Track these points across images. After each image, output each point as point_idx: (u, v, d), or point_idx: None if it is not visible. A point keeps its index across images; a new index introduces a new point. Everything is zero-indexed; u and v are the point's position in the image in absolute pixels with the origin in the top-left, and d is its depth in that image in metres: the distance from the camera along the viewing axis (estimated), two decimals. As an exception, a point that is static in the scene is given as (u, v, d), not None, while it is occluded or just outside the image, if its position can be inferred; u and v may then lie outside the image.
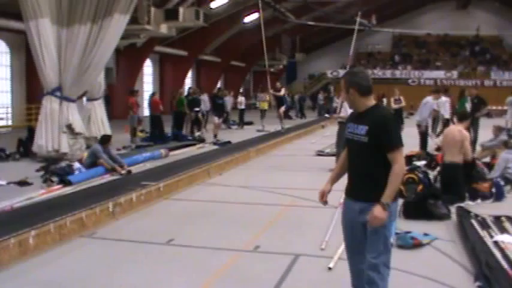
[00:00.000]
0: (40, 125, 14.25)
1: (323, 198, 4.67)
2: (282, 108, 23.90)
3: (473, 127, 15.84)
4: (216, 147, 18.43)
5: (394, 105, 22.07)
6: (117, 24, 14.48)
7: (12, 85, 27.16)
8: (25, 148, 15.21)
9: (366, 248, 4.31)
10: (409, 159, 12.85)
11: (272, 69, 53.77)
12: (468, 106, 17.48)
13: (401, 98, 22.39)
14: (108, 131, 16.02)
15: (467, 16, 57.01)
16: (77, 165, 12.18)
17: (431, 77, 52.34)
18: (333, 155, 14.68)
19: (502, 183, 10.22)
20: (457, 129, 10.10)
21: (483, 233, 7.04)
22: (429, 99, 15.82)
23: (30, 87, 26.30)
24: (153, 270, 6.26)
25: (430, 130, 17.14)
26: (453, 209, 8.70)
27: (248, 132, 24.04)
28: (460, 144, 9.81)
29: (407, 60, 56.95)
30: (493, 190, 9.90)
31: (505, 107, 24.81)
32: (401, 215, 8.37)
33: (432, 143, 16.01)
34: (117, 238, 7.65)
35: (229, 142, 19.40)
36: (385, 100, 27.62)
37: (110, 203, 8.66)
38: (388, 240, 4.32)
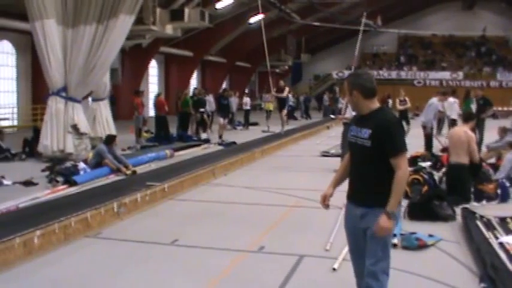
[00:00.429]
0: (45, 125, 14.29)
1: (325, 201, 4.56)
2: (284, 111, 23.46)
3: (478, 128, 15.81)
4: (221, 147, 18.44)
5: (399, 106, 22.03)
6: (123, 25, 14.51)
7: (18, 85, 27.26)
8: (30, 148, 15.26)
9: (365, 254, 4.25)
10: (414, 160, 12.82)
11: (277, 70, 53.77)
12: (473, 107, 17.45)
13: (407, 99, 22.34)
14: (113, 132, 16.04)
15: (473, 17, 56.85)
16: (82, 165, 12.21)
17: (436, 78, 52.18)
18: (338, 156, 14.66)
19: (508, 184, 10.17)
20: (463, 130, 10.07)
21: (488, 234, 7.01)
22: (434, 100, 15.79)
23: (36, 87, 26.36)
24: (157, 271, 6.26)
25: (435, 131, 17.10)
26: (458, 210, 8.66)
27: (253, 133, 24.05)
28: (466, 145, 9.79)
29: (413, 61, 56.82)
30: (499, 191, 9.86)
31: (511, 108, 24.76)
32: (406, 216, 8.36)
33: (438, 143, 15.97)
34: (121, 238, 7.66)
35: (234, 143, 19.41)
36: (390, 101, 27.55)
37: (115, 203, 8.67)
38: (388, 246, 4.23)
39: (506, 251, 6.31)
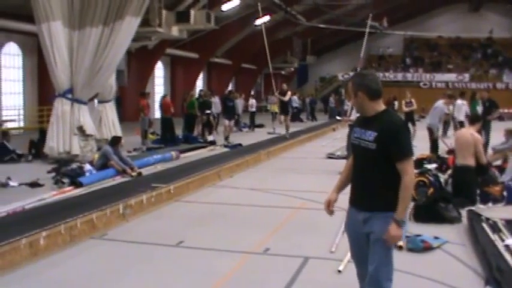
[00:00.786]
0: (51, 126, 14.34)
1: (329, 207, 4.44)
2: (288, 117, 23.16)
3: (485, 130, 15.77)
4: (226, 149, 18.44)
5: (405, 108, 21.97)
6: (129, 27, 14.56)
7: (24, 87, 27.31)
8: (37, 150, 15.29)
9: (368, 259, 4.15)
10: (420, 162, 12.79)
11: (283, 72, 53.79)
12: (479, 109, 17.40)
13: (413, 100, 22.26)
14: (119, 133, 16.06)
15: (479, 18, 56.65)
16: (87, 166, 12.23)
17: (443, 80, 52.02)
18: (343, 158, 14.65)
19: (514, 186, 10.14)
20: (469, 132, 10.04)
21: (494, 237, 6.99)
22: (440, 103, 15.67)
23: (42, 89, 26.43)
24: (162, 272, 6.27)
25: (440, 133, 17.06)
26: (464, 212, 8.65)
27: (259, 135, 24.06)
28: (472, 147, 9.76)
29: (419, 63, 56.64)
30: (505, 193, 9.82)
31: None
32: (411, 218, 8.35)
33: (443, 145, 15.93)
34: (127, 240, 7.67)
35: (240, 145, 19.42)
36: (396, 103, 27.50)
37: (121, 204, 8.69)
38: (391, 251, 4.13)
39: (512, 253, 6.30)
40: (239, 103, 27.48)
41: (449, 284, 5.79)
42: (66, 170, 11.78)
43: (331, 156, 16.93)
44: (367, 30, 22.72)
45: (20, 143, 16.29)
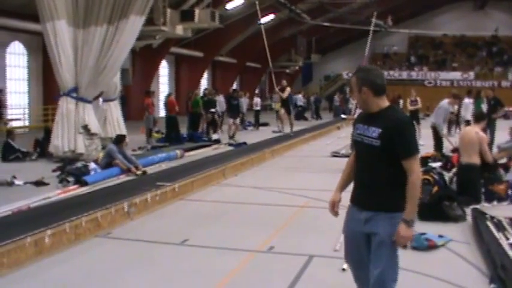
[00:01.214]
0: (56, 125, 14.37)
1: (334, 209, 4.33)
2: (291, 116, 23.04)
3: (490, 128, 15.73)
4: (231, 148, 18.46)
5: (410, 107, 21.88)
6: (133, 26, 14.57)
7: (29, 86, 27.43)
8: (42, 148, 15.33)
9: (371, 261, 4.03)
10: (425, 160, 12.77)
11: (288, 71, 53.77)
12: (484, 107, 17.35)
13: (418, 99, 22.14)
14: (124, 132, 16.07)
15: (484, 17, 56.52)
16: (92, 165, 12.26)
17: (447, 78, 51.88)
18: (347, 156, 14.57)
19: (519, 185, 10.13)
20: (474, 131, 10.01)
21: (499, 235, 6.97)
22: (444, 103, 15.54)
23: (47, 88, 26.53)
24: (167, 270, 6.29)
25: (445, 131, 17.02)
26: (468, 210, 8.63)
27: (263, 133, 24.04)
28: (477, 145, 9.75)
29: (424, 61, 56.54)
30: (509, 192, 9.82)
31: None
32: (416, 217, 8.33)
33: (448, 143, 15.89)
34: (131, 238, 7.69)
35: (244, 143, 19.43)
36: (401, 101, 27.41)
37: (125, 203, 8.71)
38: (396, 254, 4.03)
39: (516, 251, 6.29)
40: (244, 102, 27.47)
41: (453, 282, 5.79)
42: (71, 168, 11.81)
43: (335, 155, 16.91)
44: (372, 28, 22.71)
45: (25, 141, 16.34)
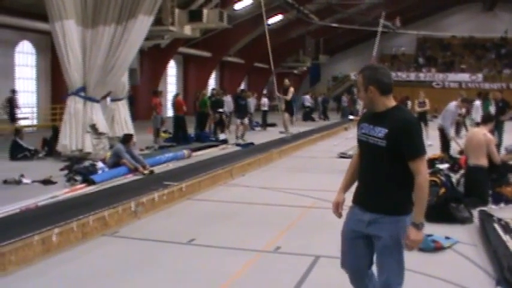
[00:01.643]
0: (64, 124, 14.42)
1: (338, 210, 4.29)
2: (293, 118, 22.73)
3: (498, 131, 15.69)
4: (238, 148, 18.46)
5: (418, 108, 21.81)
6: (141, 26, 14.61)
7: (37, 85, 27.56)
8: (49, 147, 15.39)
9: (376, 267, 4.01)
10: (432, 162, 12.75)
11: (296, 71, 53.77)
12: (492, 109, 17.30)
13: (426, 100, 22.00)
14: (132, 131, 16.11)
15: (493, 18, 56.36)
16: (100, 164, 12.31)
17: (455, 80, 51.75)
18: (355, 157, 14.58)
19: (526, 187, 10.09)
20: (482, 133, 9.98)
21: (506, 237, 6.95)
22: (452, 106, 15.43)
23: (55, 87, 26.64)
24: (174, 270, 6.30)
25: (452, 133, 16.96)
26: (475, 212, 8.62)
27: (271, 134, 24.05)
28: (485, 147, 9.72)
29: (432, 62, 56.42)
30: (517, 194, 9.80)
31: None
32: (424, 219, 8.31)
33: (455, 145, 15.85)
34: (138, 237, 7.71)
35: (252, 143, 19.44)
36: (409, 103, 27.35)
37: (132, 202, 8.72)
38: (403, 259, 3.97)
39: (523, 254, 6.27)
40: (251, 102, 27.49)
41: (460, 284, 5.78)
42: (78, 167, 11.86)
43: (343, 156, 16.87)
44: (380, 29, 22.61)
45: (33, 140, 16.41)
